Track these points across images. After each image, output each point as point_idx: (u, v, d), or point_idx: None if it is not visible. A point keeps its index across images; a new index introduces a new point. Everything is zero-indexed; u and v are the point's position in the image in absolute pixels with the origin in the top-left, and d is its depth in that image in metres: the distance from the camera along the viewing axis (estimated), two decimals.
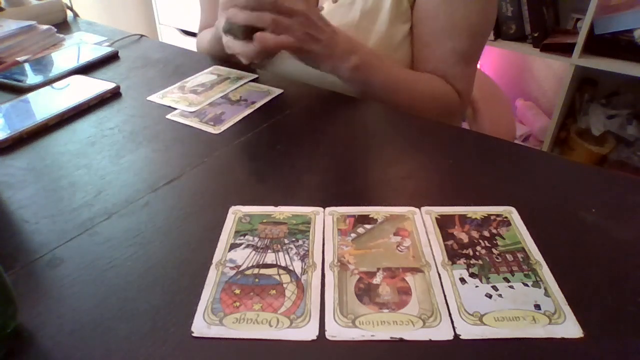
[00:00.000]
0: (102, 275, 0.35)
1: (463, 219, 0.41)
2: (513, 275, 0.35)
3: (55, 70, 0.68)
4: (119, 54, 0.75)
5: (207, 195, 0.45)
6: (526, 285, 0.35)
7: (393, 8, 0.65)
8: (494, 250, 0.38)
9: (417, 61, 0.70)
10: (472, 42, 0.68)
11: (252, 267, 0.36)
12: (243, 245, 0.38)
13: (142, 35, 0.84)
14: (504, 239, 0.39)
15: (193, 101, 0.61)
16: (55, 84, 0.64)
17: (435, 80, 0.68)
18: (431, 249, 0.38)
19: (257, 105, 0.60)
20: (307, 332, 0.31)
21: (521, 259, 0.37)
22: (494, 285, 0.34)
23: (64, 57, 0.73)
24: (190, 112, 0.58)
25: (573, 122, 1.76)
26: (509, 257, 0.37)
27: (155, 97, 0.62)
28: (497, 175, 0.47)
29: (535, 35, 1.57)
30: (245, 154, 0.51)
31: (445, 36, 0.66)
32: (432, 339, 0.31)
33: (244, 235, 0.39)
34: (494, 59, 1.95)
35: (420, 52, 0.69)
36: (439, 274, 0.35)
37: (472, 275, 0.35)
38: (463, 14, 0.64)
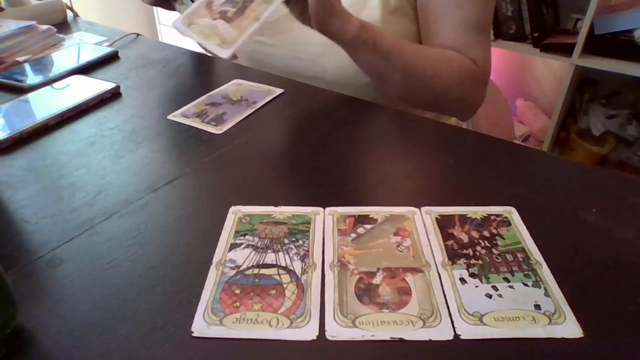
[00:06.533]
0: (102, 275, 0.35)
1: (463, 219, 0.41)
2: (513, 275, 0.35)
3: (55, 70, 0.68)
4: (119, 54, 0.75)
5: (207, 195, 0.45)
6: (526, 285, 0.35)
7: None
8: (494, 250, 0.38)
9: (426, 38, 0.67)
10: (482, 7, 0.65)
11: (252, 267, 0.36)
12: (243, 245, 0.38)
13: (138, 34, 0.84)
14: (504, 239, 0.39)
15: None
16: (55, 84, 0.64)
17: (445, 50, 0.65)
18: (431, 249, 0.38)
19: (258, 105, 0.60)
20: (307, 332, 0.31)
21: (521, 259, 0.37)
22: (494, 285, 0.34)
23: (64, 57, 0.73)
24: (192, 112, 0.58)
25: (573, 122, 1.76)
26: (509, 257, 0.37)
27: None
28: (497, 175, 0.47)
29: (535, 35, 1.58)
30: (245, 154, 0.51)
31: (453, 5, 0.64)
32: (432, 339, 0.31)
33: (244, 235, 0.39)
34: (494, 59, 1.95)
35: (429, 29, 0.67)
36: (439, 274, 0.35)
37: (472, 275, 0.35)
38: None
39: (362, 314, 0.32)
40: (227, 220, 0.41)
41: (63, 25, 0.89)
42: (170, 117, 0.57)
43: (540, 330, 0.31)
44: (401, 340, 0.31)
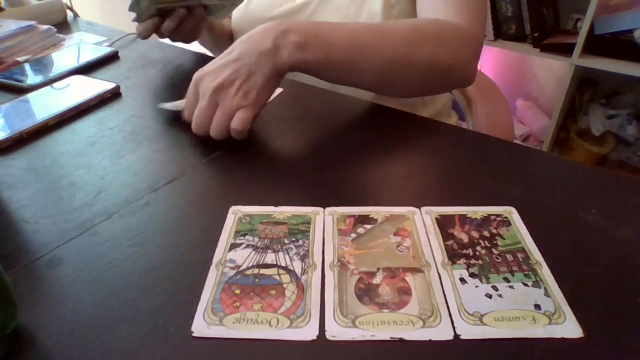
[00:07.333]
0: (102, 275, 0.35)
1: (463, 219, 0.41)
2: (513, 275, 0.35)
3: (55, 70, 0.68)
4: (119, 54, 0.76)
5: (207, 195, 0.45)
6: (526, 285, 0.35)
7: None
8: (494, 250, 0.38)
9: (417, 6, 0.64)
10: None
11: (252, 267, 0.36)
12: (243, 245, 0.38)
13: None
14: (504, 239, 0.39)
15: None
16: (55, 84, 0.64)
17: (419, 19, 0.59)
18: (431, 249, 0.38)
19: None
20: (307, 332, 0.31)
21: (521, 259, 0.37)
22: (494, 285, 0.34)
23: (64, 57, 0.73)
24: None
25: (573, 122, 1.76)
26: (509, 257, 0.37)
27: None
28: (497, 175, 0.47)
29: (535, 35, 1.58)
30: (245, 154, 0.51)
31: None
32: (432, 339, 0.31)
33: (244, 235, 0.39)
34: (494, 59, 1.95)
35: None
36: (439, 274, 0.35)
37: (472, 275, 0.35)
38: None
39: (362, 314, 0.32)
40: (227, 220, 0.41)
41: (63, 25, 0.89)
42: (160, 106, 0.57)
43: (540, 330, 0.31)
44: (401, 340, 0.31)
